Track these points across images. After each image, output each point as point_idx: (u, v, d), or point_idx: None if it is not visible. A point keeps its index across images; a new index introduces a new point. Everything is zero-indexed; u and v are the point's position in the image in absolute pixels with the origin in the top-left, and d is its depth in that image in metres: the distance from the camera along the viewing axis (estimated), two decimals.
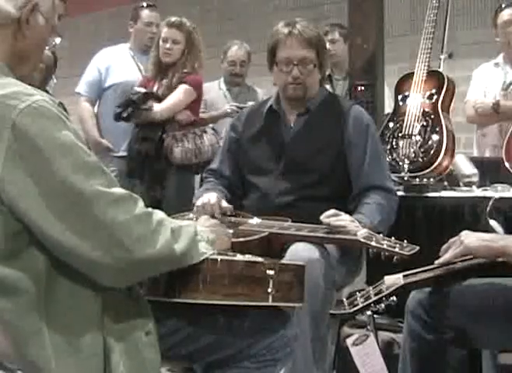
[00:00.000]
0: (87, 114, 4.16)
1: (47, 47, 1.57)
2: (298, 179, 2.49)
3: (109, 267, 1.35)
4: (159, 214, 1.44)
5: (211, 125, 4.06)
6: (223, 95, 4.41)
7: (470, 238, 1.83)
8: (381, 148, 2.67)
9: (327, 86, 4.13)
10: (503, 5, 3.79)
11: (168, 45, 3.70)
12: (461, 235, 1.86)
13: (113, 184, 1.39)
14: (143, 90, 3.71)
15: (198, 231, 1.55)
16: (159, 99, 3.66)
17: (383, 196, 2.47)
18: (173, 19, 3.77)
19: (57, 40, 1.66)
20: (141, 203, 1.41)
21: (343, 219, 2.24)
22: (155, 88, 3.77)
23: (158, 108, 3.63)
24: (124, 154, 3.85)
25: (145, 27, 4.16)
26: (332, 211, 2.25)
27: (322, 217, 2.23)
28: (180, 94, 3.68)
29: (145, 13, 4.17)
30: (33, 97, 1.33)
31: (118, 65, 4.11)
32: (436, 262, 1.88)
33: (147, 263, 1.38)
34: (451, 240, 1.90)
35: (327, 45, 4.15)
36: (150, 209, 1.43)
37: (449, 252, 1.86)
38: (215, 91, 4.44)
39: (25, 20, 1.42)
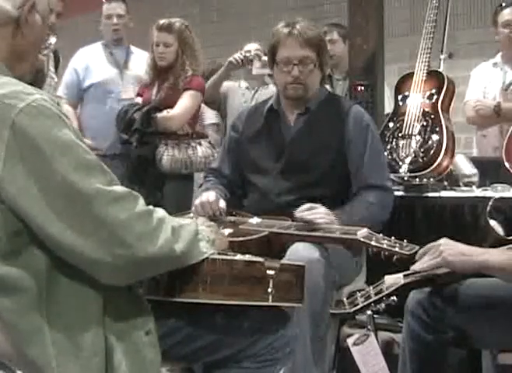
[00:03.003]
0: (69, 116, 4.13)
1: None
2: (298, 179, 2.49)
3: (110, 265, 1.34)
4: (159, 212, 1.44)
5: (212, 137, 4.02)
6: (241, 93, 4.34)
7: (448, 251, 1.77)
8: (381, 148, 2.67)
9: (327, 86, 4.12)
10: (504, 5, 3.78)
11: (160, 49, 3.70)
12: (440, 244, 1.82)
13: (114, 182, 1.39)
14: (140, 102, 3.73)
15: (199, 230, 1.55)
16: (160, 109, 3.67)
17: (375, 195, 2.46)
18: (161, 21, 3.75)
19: (53, 40, 1.67)
20: (141, 201, 1.41)
21: (318, 212, 2.25)
22: (154, 92, 3.77)
23: (170, 118, 3.64)
24: (108, 153, 3.85)
25: (106, 20, 4.10)
26: (307, 205, 2.27)
27: (296, 212, 2.25)
28: (188, 100, 3.69)
29: (105, 7, 4.12)
30: (33, 96, 1.33)
31: (95, 64, 4.06)
32: (411, 268, 1.85)
33: (148, 261, 1.38)
34: (429, 245, 1.86)
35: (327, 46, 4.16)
36: (151, 207, 1.43)
37: (425, 261, 1.83)
38: (233, 87, 4.38)
39: (24, 19, 1.42)
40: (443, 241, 1.83)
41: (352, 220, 2.33)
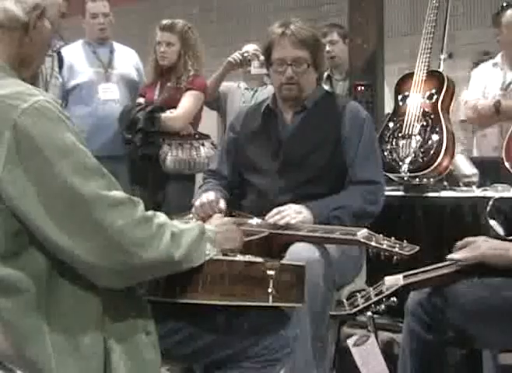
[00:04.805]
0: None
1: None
2: (296, 177, 2.49)
3: (106, 270, 1.35)
4: (160, 218, 1.44)
5: (214, 139, 4.02)
6: (241, 93, 4.35)
7: (486, 246, 1.84)
8: (374, 143, 2.63)
9: (327, 87, 4.12)
10: (505, 4, 3.78)
11: (162, 48, 3.71)
12: (478, 240, 1.88)
13: (114, 187, 1.38)
14: (142, 102, 3.75)
15: (206, 230, 1.55)
16: (163, 109, 3.68)
17: (360, 187, 2.46)
18: (164, 21, 3.76)
19: (60, 44, 1.68)
20: (141, 207, 1.40)
21: (287, 214, 2.28)
22: (156, 92, 3.79)
23: (174, 118, 3.66)
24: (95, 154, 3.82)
25: (92, 20, 4.00)
26: (275, 211, 2.30)
27: (267, 218, 2.30)
28: (191, 101, 3.71)
29: (89, 6, 4.02)
30: (35, 97, 1.33)
31: (79, 64, 3.98)
32: (448, 257, 1.88)
33: (145, 267, 1.38)
34: (469, 239, 1.90)
35: (327, 46, 4.16)
36: (151, 212, 1.43)
37: (462, 253, 1.87)
38: (232, 87, 4.39)
39: (32, 25, 1.44)
40: (482, 238, 1.89)
41: (327, 209, 2.36)
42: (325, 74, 4.24)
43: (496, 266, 1.83)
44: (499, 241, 1.88)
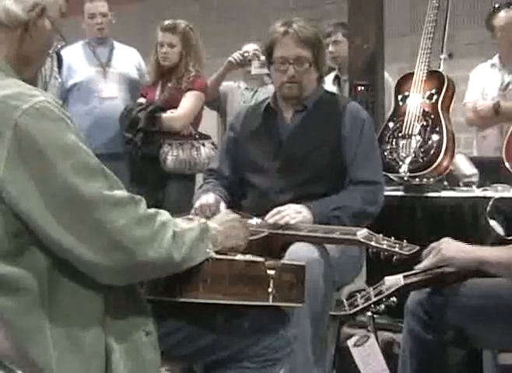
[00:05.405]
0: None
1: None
2: (296, 177, 2.49)
3: (108, 268, 1.35)
4: (163, 216, 1.44)
5: (214, 139, 4.02)
6: (241, 93, 4.35)
7: (447, 248, 1.84)
8: (374, 143, 2.63)
9: (335, 88, 4.12)
10: (497, 6, 3.78)
11: (164, 49, 3.74)
12: (441, 243, 1.88)
13: (116, 186, 1.39)
14: (143, 102, 3.77)
15: (209, 228, 1.55)
16: (164, 109, 3.70)
17: (359, 188, 2.46)
18: (166, 22, 3.78)
19: (61, 43, 1.68)
20: (143, 205, 1.40)
21: (287, 214, 2.29)
22: (157, 92, 3.79)
23: (174, 118, 3.68)
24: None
25: (90, 20, 4.04)
26: (274, 210, 2.31)
27: (267, 218, 2.30)
28: (191, 101, 3.73)
29: (86, 6, 4.05)
30: (36, 98, 1.33)
31: (78, 63, 4.01)
32: (416, 267, 1.89)
33: (146, 266, 1.38)
34: (432, 245, 1.90)
35: (330, 47, 4.16)
36: (154, 210, 1.43)
37: (427, 260, 1.88)
38: (232, 87, 4.39)
39: (32, 23, 1.44)
40: (444, 239, 1.88)
41: (327, 209, 2.36)
42: (333, 75, 4.24)
43: (461, 268, 1.84)
44: (462, 243, 1.86)
